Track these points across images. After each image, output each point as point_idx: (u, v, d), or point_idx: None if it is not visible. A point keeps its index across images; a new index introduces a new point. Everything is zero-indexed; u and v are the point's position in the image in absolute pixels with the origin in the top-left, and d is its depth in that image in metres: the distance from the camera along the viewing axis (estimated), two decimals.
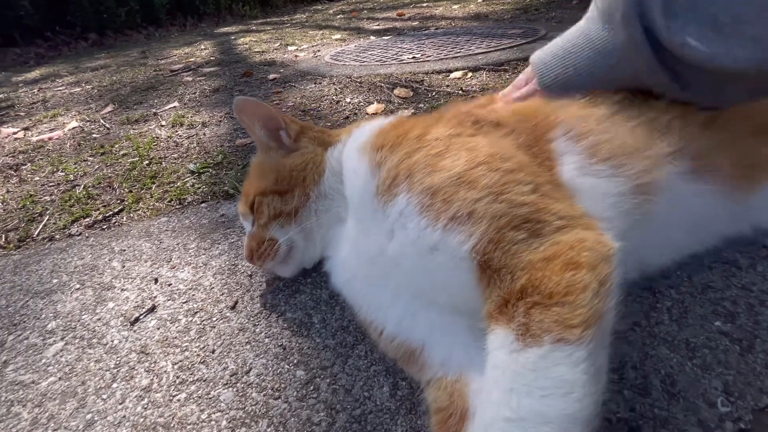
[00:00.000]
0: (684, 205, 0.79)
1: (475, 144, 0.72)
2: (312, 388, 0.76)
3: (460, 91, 2.12)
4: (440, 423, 0.62)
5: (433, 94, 2.15)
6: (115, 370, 0.85)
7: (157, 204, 1.49)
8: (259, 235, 0.91)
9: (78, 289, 1.10)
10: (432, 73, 2.48)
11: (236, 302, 0.98)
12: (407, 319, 0.72)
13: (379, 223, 0.73)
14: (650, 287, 0.87)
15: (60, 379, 0.85)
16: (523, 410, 0.48)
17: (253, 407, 0.74)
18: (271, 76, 2.94)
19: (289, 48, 4.02)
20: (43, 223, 1.47)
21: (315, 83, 2.63)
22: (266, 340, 0.87)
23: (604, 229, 0.64)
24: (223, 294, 1.01)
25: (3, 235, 1.43)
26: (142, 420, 0.74)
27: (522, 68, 2.36)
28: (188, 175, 1.66)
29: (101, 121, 2.52)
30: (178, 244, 1.23)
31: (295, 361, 0.81)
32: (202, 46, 4.88)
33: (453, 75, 2.39)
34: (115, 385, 0.82)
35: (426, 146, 0.73)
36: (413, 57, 2.82)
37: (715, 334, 0.76)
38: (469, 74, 2.38)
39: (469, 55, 2.67)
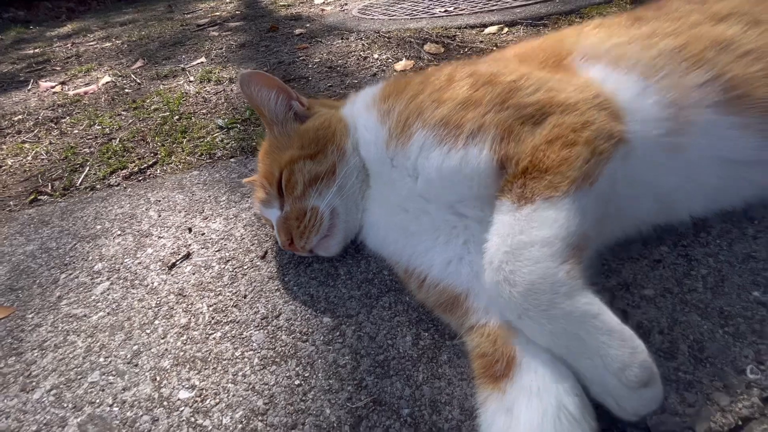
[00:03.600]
0: (715, 138, 0.75)
1: (476, 70, 0.76)
2: (338, 333, 0.79)
3: (495, 48, 2.01)
4: (485, 367, 0.64)
5: (466, 50, 2.04)
6: (157, 308, 0.91)
7: (188, 158, 1.53)
8: (296, 210, 0.84)
9: (119, 235, 1.17)
10: (465, 27, 2.34)
11: (266, 252, 1.02)
12: (454, 263, 0.75)
13: (400, 168, 0.76)
14: (686, 255, 0.84)
15: (108, 314, 0.92)
16: (517, 243, 0.58)
17: (283, 348, 0.78)
18: (297, 31, 2.86)
19: (316, 1, 3.87)
20: (84, 173, 1.54)
21: (342, 38, 2.54)
22: (295, 288, 0.91)
23: (621, 114, 0.68)
24: (253, 244, 1.05)
25: (49, 184, 1.52)
26: (182, 354, 0.80)
27: (565, 23, 2.19)
28: (217, 130, 1.68)
29: (132, 76, 2.55)
30: (209, 196, 1.27)
31: (323, 309, 0.85)
32: (227, 0, 4.76)
33: (488, 30, 2.25)
34: (157, 321, 0.88)
35: (429, 85, 0.76)
36: (445, 10, 2.66)
37: (753, 304, 0.73)
38: (505, 29, 2.23)
39: (506, 8, 2.49)
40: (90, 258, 1.10)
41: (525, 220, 0.60)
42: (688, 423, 0.60)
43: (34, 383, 0.79)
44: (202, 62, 2.60)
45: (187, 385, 0.75)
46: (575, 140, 0.62)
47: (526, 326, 0.59)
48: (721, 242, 0.85)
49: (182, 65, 2.58)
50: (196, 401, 0.72)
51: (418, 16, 2.66)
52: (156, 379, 0.77)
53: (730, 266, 0.81)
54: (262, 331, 0.82)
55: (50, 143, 1.83)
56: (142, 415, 0.71)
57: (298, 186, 0.84)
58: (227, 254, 1.03)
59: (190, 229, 1.14)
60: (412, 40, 2.26)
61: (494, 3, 2.63)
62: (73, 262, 1.10)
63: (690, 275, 0.80)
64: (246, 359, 0.77)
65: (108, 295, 0.97)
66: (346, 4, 3.51)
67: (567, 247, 0.58)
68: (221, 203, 1.23)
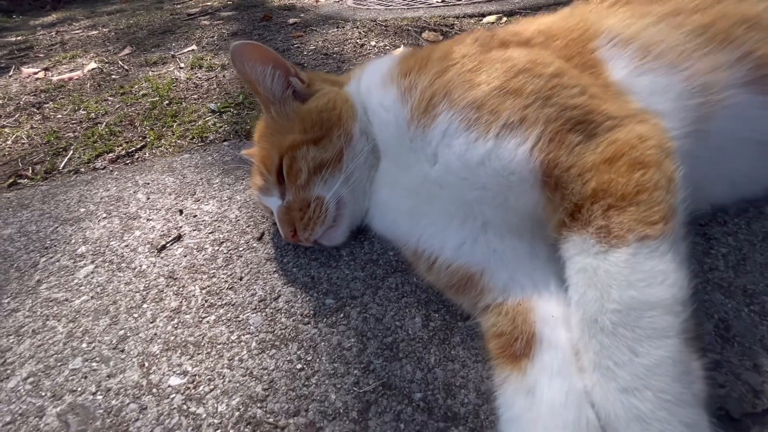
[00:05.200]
0: (744, 118, 0.72)
1: (509, 55, 0.68)
2: (342, 315, 0.74)
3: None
4: (503, 347, 0.60)
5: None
6: (145, 292, 0.85)
7: (179, 141, 1.46)
8: (299, 200, 0.78)
9: (105, 217, 1.10)
10: (463, 16, 2.30)
11: (263, 234, 0.96)
12: (468, 244, 0.69)
13: (418, 151, 0.69)
14: (704, 234, 0.81)
15: (92, 298, 0.85)
16: (628, 300, 0.50)
17: (283, 331, 0.73)
18: (291, 21, 2.79)
19: None
20: (68, 156, 1.46)
21: (337, 27, 2.49)
22: (294, 269, 0.85)
23: (660, 124, 0.62)
24: (249, 226, 0.99)
25: (30, 168, 1.43)
26: (173, 338, 0.74)
27: None
28: (209, 114, 1.61)
29: (119, 63, 2.46)
30: (201, 179, 1.21)
31: (324, 291, 0.80)
32: None
33: (486, 19, 2.22)
34: (145, 305, 0.82)
35: (456, 63, 0.69)
36: (443, 0, 2.62)
37: None
38: (504, 19, 2.20)
39: None
40: (73, 241, 1.03)
41: (627, 269, 0.51)
42: (720, 404, 0.57)
43: (9, 371, 0.73)
44: (192, 50, 2.52)
45: (178, 371, 0.69)
46: (643, 160, 0.56)
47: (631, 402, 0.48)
48: (739, 221, 0.82)
49: (172, 53, 2.50)
50: (189, 388, 0.66)
51: (415, 6, 2.62)
52: (144, 365, 0.70)
53: (750, 245, 0.78)
54: (259, 314, 0.77)
55: (32, 128, 1.74)
56: (128, 404, 0.65)
57: (301, 174, 0.77)
58: (221, 236, 0.97)
59: (181, 212, 1.07)
60: (410, 28, 2.22)
61: None
62: (55, 246, 1.03)
63: (710, 254, 0.77)
64: (243, 343, 0.72)
65: (92, 278, 0.91)
66: None
67: (686, 321, 0.50)
68: (214, 186, 1.17)
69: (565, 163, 0.57)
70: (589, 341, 0.51)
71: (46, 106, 1.97)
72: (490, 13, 2.28)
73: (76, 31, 3.54)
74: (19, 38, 3.50)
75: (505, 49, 0.72)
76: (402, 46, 2.00)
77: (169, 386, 0.67)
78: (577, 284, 0.54)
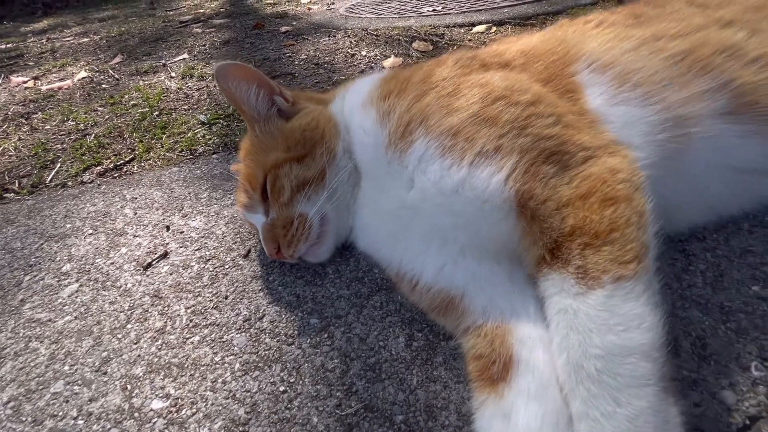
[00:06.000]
0: (721, 146, 0.73)
1: (488, 80, 0.69)
2: (326, 335, 0.75)
3: (483, 47, 1.99)
4: (481, 370, 0.60)
5: (454, 48, 2.02)
6: (130, 312, 0.85)
7: (167, 154, 1.46)
8: (282, 217, 0.77)
9: (91, 234, 1.10)
10: (454, 26, 2.32)
11: (249, 251, 0.96)
12: (447, 268, 0.70)
13: (395, 176, 0.70)
14: (683, 250, 0.82)
15: (76, 318, 0.85)
16: (609, 346, 0.51)
17: (267, 352, 0.73)
18: (283, 29, 2.80)
19: (303, 0, 3.82)
20: (55, 170, 1.45)
21: (329, 36, 2.50)
22: (279, 288, 0.85)
23: (631, 156, 0.63)
24: (235, 243, 0.99)
25: (16, 181, 1.42)
26: (156, 360, 0.74)
27: (551, 23, 2.20)
28: (199, 126, 1.61)
29: (110, 71, 2.45)
30: (189, 193, 1.21)
31: (309, 310, 0.80)
32: None
33: (476, 29, 2.24)
34: (129, 326, 0.82)
35: (435, 87, 0.70)
36: (434, 9, 2.64)
37: (753, 299, 0.72)
38: (494, 28, 2.22)
39: (495, 7, 2.49)
40: (58, 258, 1.03)
41: (604, 313, 0.52)
42: (696, 424, 0.57)
43: None
44: (184, 58, 2.51)
45: (161, 394, 0.68)
46: (613, 196, 0.57)
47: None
48: (717, 237, 0.84)
49: (163, 61, 2.50)
50: (171, 411, 0.66)
51: (406, 15, 2.64)
52: (127, 388, 0.70)
53: (728, 261, 0.79)
54: (244, 334, 0.77)
55: (19, 139, 1.73)
56: (110, 429, 0.65)
57: (284, 192, 0.78)
58: (207, 253, 0.97)
59: (168, 227, 1.07)
60: (401, 38, 2.23)
61: (482, 2, 2.62)
62: (39, 263, 1.02)
63: (689, 270, 0.78)
64: (226, 365, 0.72)
65: (76, 297, 0.90)
66: (333, 2, 3.47)
67: (663, 367, 0.51)
68: (202, 200, 1.17)
69: (541, 195, 0.58)
70: (576, 387, 0.52)
71: (35, 116, 1.96)
72: (480, 23, 2.30)
73: (68, 38, 3.52)
74: (9, 45, 3.48)
75: (485, 71, 0.73)
76: (392, 56, 2.02)
77: (152, 410, 0.66)
78: (559, 325, 0.55)
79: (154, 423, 0.65)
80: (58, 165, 1.48)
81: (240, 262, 0.94)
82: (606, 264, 0.53)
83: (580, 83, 0.71)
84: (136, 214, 1.15)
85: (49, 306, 0.89)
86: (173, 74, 2.26)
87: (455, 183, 0.62)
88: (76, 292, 0.92)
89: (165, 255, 0.98)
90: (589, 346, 0.51)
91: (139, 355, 0.75)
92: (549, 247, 0.57)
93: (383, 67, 1.92)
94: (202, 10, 3.95)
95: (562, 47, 0.78)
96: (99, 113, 1.89)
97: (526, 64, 0.76)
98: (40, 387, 0.72)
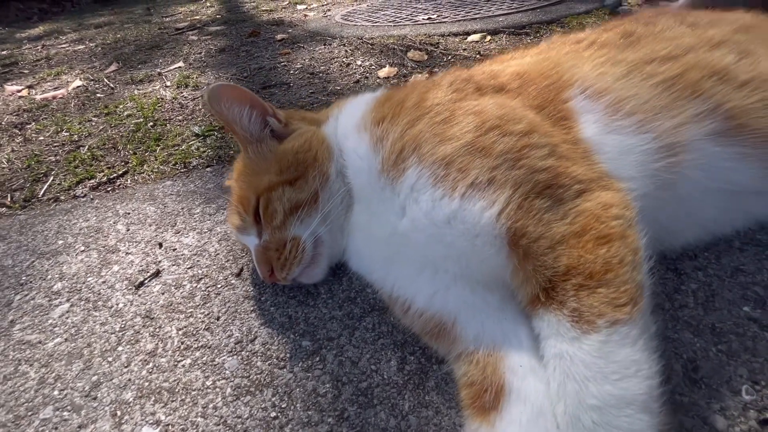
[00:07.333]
0: (713, 169, 0.73)
1: (482, 107, 0.68)
2: (318, 359, 0.74)
3: (478, 56, 2.00)
4: (473, 398, 0.60)
5: (449, 57, 2.03)
6: (121, 333, 0.84)
7: (161, 167, 1.45)
8: (275, 240, 0.77)
9: (83, 251, 1.09)
10: (448, 35, 2.33)
11: (242, 269, 0.96)
12: (440, 294, 0.69)
13: (387, 202, 0.69)
14: (675, 268, 0.82)
15: (66, 340, 0.84)
16: (606, 396, 0.50)
17: (258, 376, 0.73)
18: (279, 37, 2.80)
19: (299, 7, 3.83)
20: (48, 183, 1.45)
21: (324, 44, 2.50)
22: (272, 308, 0.85)
23: (623, 189, 0.63)
24: (228, 261, 0.99)
25: (8, 195, 1.41)
26: (147, 384, 0.74)
27: (546, 32, 2.21)
28: (193, 138, 1.61)
29: (105, 80, 2.44)
30: (182, 208, 1.20)
31: (301, 332, 0.79)
32: (208, 3, 4.68)
33: (471, 38, 2.25)
34: (120, 348, 0.81)
35: (428, 113, 0.69)
36: (429, 18, 2.65)
37: (744, 320, 0.72)
38: (488, 37, 2.23)
39: (489, 16, 2.50)
40: (49, 277, 1.02)
41: (600, 360, 0.51)
42: None
43: None
44: (179, 67, 2.51)
45: (151, 420, 0.68)
46: (607, 234, 0.56)
47: None
48: (709, 255, 0.84)
49: (159, 70, 2.49)
50: None
51: (401, 24, 2.65)
52: (117, 414, 0.70)
53: (719, 280, 0.79)
54: (235, 357, 0.76)
55: (12, 151, 1.72)
56: None
57: (277, 215, 0.77)
58: (200, 272, 0.97)
59: (160, 245, 1.07)
60: (396, 47, 2.24)
61: (477, 11, 2.64)
62: (30, 282, 1.01)
63: (680, 290, 0.78)
64: (218, 389, 0.71)
65: (67, 318, 0.90)
66: (329, 10, 3.48)
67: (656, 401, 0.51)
68: (195, 216, 1.17)
69: (534, 233, 0.57)
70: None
71: (29, 126, 1.95)
72: (474, 32, 2.31)
73: (63, 45, 3.51)
74: (3, 53, 3.47)
75: (480, 96, 0.73)
76: (387, 66, 2.02)
77: None
78: (555, 371, 0.54)
79: None
80: (51, 178, 1.48)
81: (232, 281, 0.93)
82: (601, 307, 0.52)
83: (574, 110, 0.71)
84: (128, 230, 1.15)
85: (40, 327, 0.88)
86: (168, 83, 2.25)
87: (447, 215, 0.61)
88: (67, 312, 0.91)
89: (157, 273, 0.98)
90: (585, 396, 0.50)
91: (129, 379, 0.75)
92: (543, 286, 0.56)
93: (378, 77, 1.93)
94: (198, 17, 3.95)
95: (556, 72, 0.77)
96: (93, 123, 1.89)
97: (521, 88, 0.76)
98: (29, 413, 0.71)
